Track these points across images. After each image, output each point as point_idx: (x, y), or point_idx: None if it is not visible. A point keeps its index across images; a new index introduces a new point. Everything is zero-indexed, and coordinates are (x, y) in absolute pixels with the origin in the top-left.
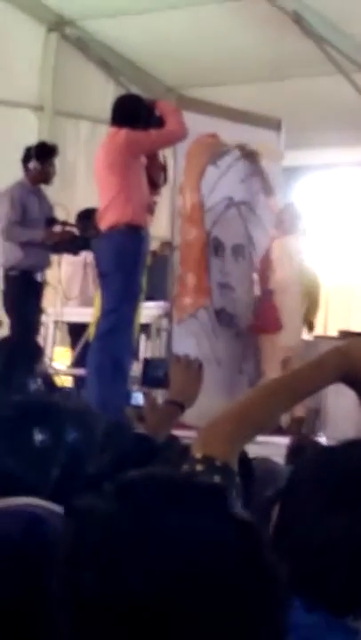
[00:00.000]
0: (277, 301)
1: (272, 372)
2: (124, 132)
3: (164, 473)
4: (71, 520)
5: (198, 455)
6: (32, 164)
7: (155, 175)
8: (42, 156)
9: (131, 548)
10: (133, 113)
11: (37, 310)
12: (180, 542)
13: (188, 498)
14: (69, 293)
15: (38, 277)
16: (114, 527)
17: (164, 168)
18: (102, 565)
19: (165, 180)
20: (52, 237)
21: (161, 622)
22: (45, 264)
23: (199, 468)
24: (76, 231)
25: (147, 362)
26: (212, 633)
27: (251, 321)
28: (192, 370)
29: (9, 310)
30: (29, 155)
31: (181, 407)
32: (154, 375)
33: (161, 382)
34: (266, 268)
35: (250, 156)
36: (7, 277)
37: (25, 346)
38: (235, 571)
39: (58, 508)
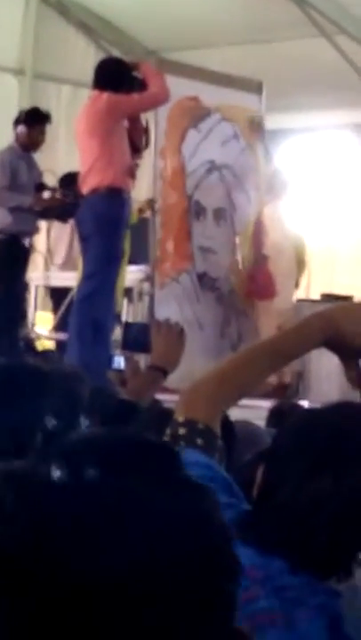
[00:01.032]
0: (272, 266)
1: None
2: (105, 96)
3: (109, 434)
4: (7, 485)
5: (181, 418)
6: (20, 129)
7: (137, 139)
8: (31, 122)
9: (70, 520)
10: (116, 76)
11: (23, 275)
12: (127, 511)
13: (135, 461)
14: (56, 259)
15: (26, 243)
16: (52, 497)
17: (145, 131)
18: (40, 539)
19: (147, 143)
20: (40, 203)
21: (105, 601)
22: (33, 230)
23: (182, 431)
24: (64, 198)
25: (127, 326)
26: (164, 606)
27: (238, 285)
28: (173, 334)
29: None
30: (19, 119)
31: (164, 372)
32: (135, 339)
33: (142, 346)
34: (259, 232)
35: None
36: None
37: (9, 310)
38: (187, 536)
39: None
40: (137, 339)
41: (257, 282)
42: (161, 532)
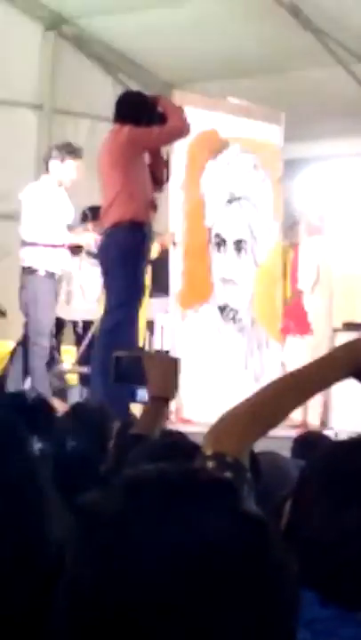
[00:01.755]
0: (306, 303)
1: None
2: (126, 129)
3: (173, 468)
4: (77, 518)
5: (209, 452)
6: (53, 164)
7: (158, 172)
8: (64, 156)
9: (139, 547)
10: (136, 110)
11: (53, 310)
12: (190, 540)
13: (197, 494)
14: (88, 294)
15: (56, 277)
16: (122, 525)
17: (166, 164)
18: (110, 565)
19: (169, 176)
20: (76, 238)
21: (168, 623)
22: (65, 264)
23: (210, 464)
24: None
25: (118, 358)
26: (224, 632)
27: (261, 316)
28: (167, 363)
29: (25, 308)
30: (51, 154)
31: (165, 401)
32: (127, 372)
33: (135, 379)
34: (295, 269)
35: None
36: (27, 276)
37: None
38: (246, 568)
39: None
40: (129, 371)
41: (292, 319)
42: (221, 562)
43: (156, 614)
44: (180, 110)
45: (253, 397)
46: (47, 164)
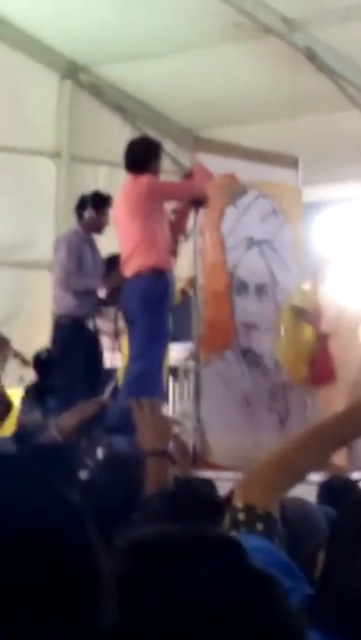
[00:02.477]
0: (333, 347)
1: None
2: (145, 180)
3: (177, 529)
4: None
5: (240, 504)
6: (88, 213)
7: (183, 222)
8: (98, 205)
9: (143, 608)
10: (142, 157)
11: (96, 358)
12: (196, 600)
13: (201, 554)
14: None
15: (89, 325)
16: (125, 586)
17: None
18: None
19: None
20: (109, 284)
21: None
22: (96, 312)
23: (241, 517)
24: None
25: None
26: None
27: (285, 361)
28: (157, 413)
29: (58, 358)
30: (84, 203)
31: (162, 454)
32: (113, 422)
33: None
34: (318, 314)
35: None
36: (58, 325)
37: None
38: (253, 624)
39: None
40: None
41: (318, 368)
42: (230, 617)
43: None
44: (207, 177)
45: (283, 448)
46: (81, 212)
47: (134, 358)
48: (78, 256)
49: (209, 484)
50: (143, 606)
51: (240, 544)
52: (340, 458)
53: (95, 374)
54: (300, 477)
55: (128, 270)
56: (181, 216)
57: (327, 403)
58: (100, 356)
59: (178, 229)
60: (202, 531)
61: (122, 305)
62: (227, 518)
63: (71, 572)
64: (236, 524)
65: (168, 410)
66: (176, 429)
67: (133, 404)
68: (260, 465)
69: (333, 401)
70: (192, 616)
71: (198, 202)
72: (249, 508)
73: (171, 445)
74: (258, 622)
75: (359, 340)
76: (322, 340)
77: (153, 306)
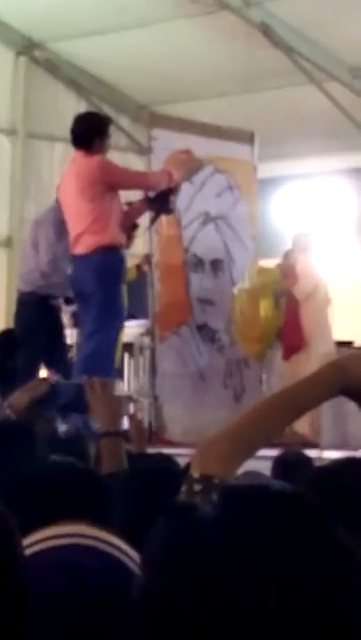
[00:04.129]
0: (303, 313)
1: None
2: (95, 160)
3: (270, 487)
4: (170, 518)
5: (196, 474)
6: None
7: (135, 216)
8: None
9: (227, 553)
10: (88, 132)
11: (58, 335)
12: (276, 557)
13: (291, 514)
14: None
15: (52, 302)
16: (216, 530)
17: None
18: (194, 569)
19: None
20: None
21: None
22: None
23: (197, 487)
24: None
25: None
26: None
27: (240, 336)
28: (109, 392)
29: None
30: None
31: (117, 434)
32: (66, 401)
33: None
34: (292, 281)
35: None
36: (24, 302)
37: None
38: (326, 597)
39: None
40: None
41: (287, 337)
42: (305, 589)
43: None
44: (168, 174)
45: (240, 418)
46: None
47: (90, 334)
48: (63, 233)
49: (168, 460)
50: (226, 554)
51: (330, 516)
52: (302, 427)
53: (58, 351)
54: (257, 447)
55: (80, 247)
56: (135, 212)
57: (296, 374)
58: (62, 332)
59: (128, 220)
60: (295, 493)
61: (73, 282)
62: (183, 488)
63: None
64: (192, 495)
65: (123, 386)
66: (131, 407)
67: (86, 382)
68: (216, 435)
69: (302, 372)
70: (267, 575)
71: (159, 209)
72: (205, 479)
73: (126, 423)
74: (333, 596)
75: (329, 314)
76: (293, 308)
77: (109, 281)
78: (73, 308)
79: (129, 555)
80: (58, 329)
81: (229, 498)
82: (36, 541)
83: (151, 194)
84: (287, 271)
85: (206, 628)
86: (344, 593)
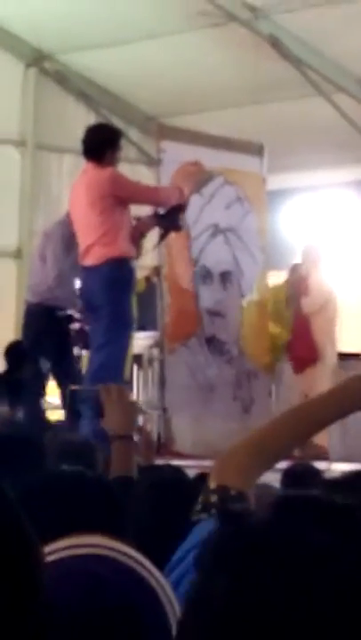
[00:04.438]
0: (314, 326)
1: None
2: (107, 173)
3: (322, 495)
4: (226, 523)
5: (213, 485)
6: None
7: (144, 230)
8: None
9: (278, 557)
10: (99, 144)
11: (67, 347)
12: (326, 565)
13: (341, 523)
14: None
15: (60, 314)
16: (269, 533)
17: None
18: (249, 569)
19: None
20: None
21: None
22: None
23: (213, 498)
24: None
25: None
26: None
27: (249, 348)
28: (125, 398)
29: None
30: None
31: (129, 438)
32: (82, 406)
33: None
34: (301, 293)
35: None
36: (32, 313)
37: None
38: None
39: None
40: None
41: (298, 350)
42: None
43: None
44: (177, 192)
45: (259, 430)
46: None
47: (100, 346)
48: (72, 248)
49: (178, 471)
50: (277, 557)
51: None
52: (321, 438)
53: (66, 362)
54: (279, 458)
55: (90, 259)
56: (143, 227)
57: (308, 386)
58: (70, 343)
59: (136, 234)
60: (345, 504)
61: (82, 293)
62: (199, 499)
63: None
64: (207, 507)
65: (133, 398)
66: (141, 419)
67: (102, 388)
68: (235, 447)
69: (315, 384)
70: (317, 582)
71: (169, 226)
72: (222, 489)
73: (135, 435)
74: None
75: (336, 327)
76: (302, 321)
77: (118, 293)
78: (76, 326)
79: (144, 565)
80: (66, 340)
81: (284, 506)
82: (51, 551)
83: (161, 210)
84: (298, 285)
85: (266, 637)
86: None
